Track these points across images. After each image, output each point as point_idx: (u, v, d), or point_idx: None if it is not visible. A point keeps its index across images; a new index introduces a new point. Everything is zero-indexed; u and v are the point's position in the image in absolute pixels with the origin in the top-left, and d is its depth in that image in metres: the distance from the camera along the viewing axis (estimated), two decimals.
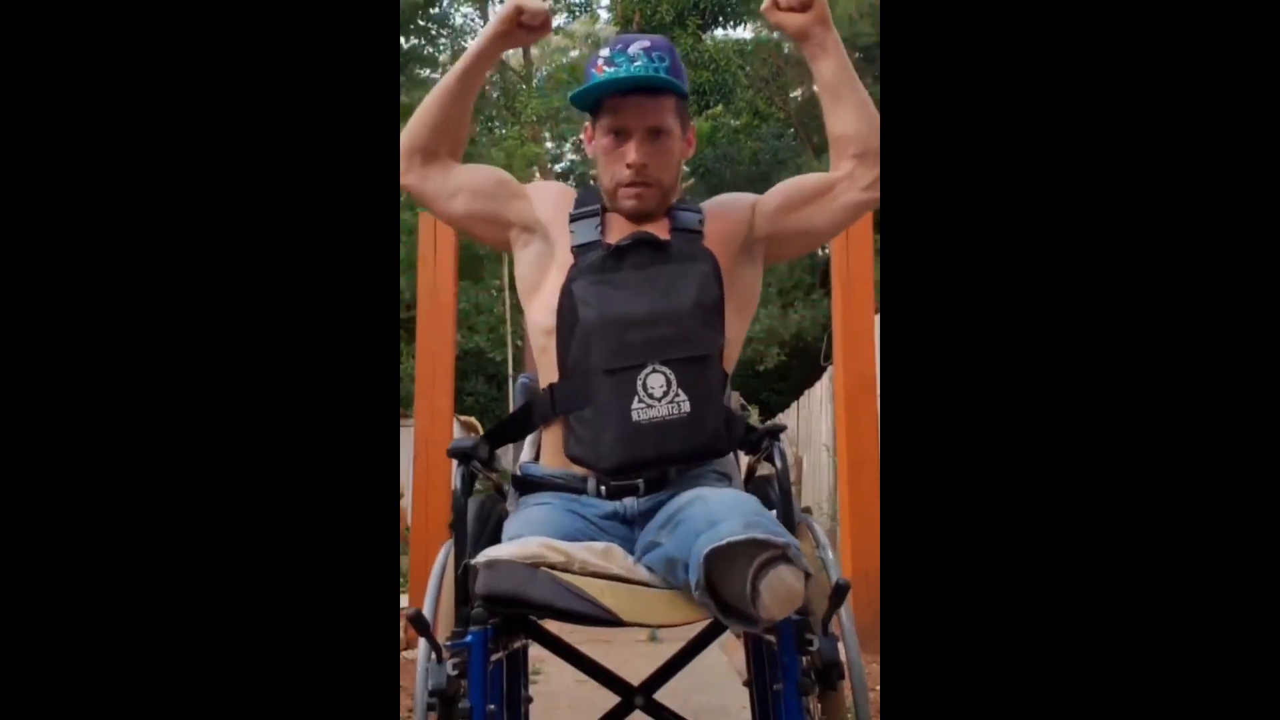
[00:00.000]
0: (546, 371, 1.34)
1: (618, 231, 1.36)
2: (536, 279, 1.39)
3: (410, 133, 1.39)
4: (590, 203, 1.40)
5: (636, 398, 1.24)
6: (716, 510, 1.06)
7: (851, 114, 1.36)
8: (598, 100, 1.37)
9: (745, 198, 1.45)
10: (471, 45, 1.41)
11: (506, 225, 1.42)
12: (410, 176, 1.40)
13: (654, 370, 1.25)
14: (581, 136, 1.47)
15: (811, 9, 1.34)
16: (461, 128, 1.43)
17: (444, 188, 1.41)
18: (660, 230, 1.36)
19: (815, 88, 1.41)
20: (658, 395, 1.24)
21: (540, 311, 1.36)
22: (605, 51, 1.37)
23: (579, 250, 1.34)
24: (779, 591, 0.99)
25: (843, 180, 1.38)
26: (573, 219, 1.38)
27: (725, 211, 1.42)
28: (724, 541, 0.99)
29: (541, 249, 1.39)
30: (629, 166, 1.35)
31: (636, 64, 1.33)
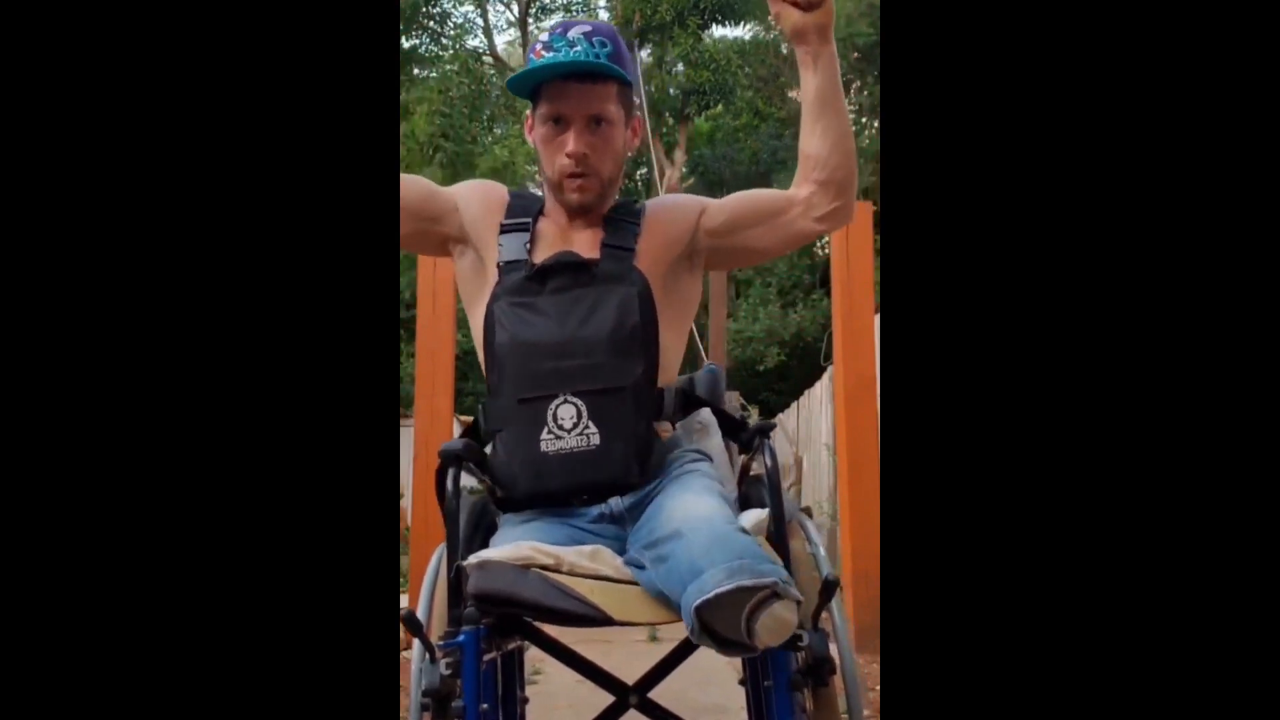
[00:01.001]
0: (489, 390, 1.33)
1: (547, 247, 1.32)
2: (473, 293, 1.36)
3: None
4: (525, 212, 1.36)
5: (546, 428, 1.22)
6: (698, 555, 1.04)
7: (827, 137, 1.30)
8: (537, 87, 1.32)
9: (692, 205, 1.39)
10: None
11: (444, 239, 1.39)
12: None
13: (565, 401, 1.22)
14: (525, 126, 1.43)
15: (816, 10, 1.27)
16: None
17: None
18: (592, 242, 1.33)
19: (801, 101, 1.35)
20: (567, 427, 1.22)
21: (476, 327, 1.33)
22: (545, 36, 1.32)
23: (505, 268, 1.30)
24: (773, 627, 0.99)
25: (799, 205, 1.33)
26: (503, 229, 1.34)
27: (667, 219, 1.37)
28: (711, 595, 0.99)
29: (474, 259, 1.36)
30: (569, 156, 1.30)
31: (576, 49, 1.28)
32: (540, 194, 1.41)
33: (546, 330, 1.25)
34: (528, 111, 1.38)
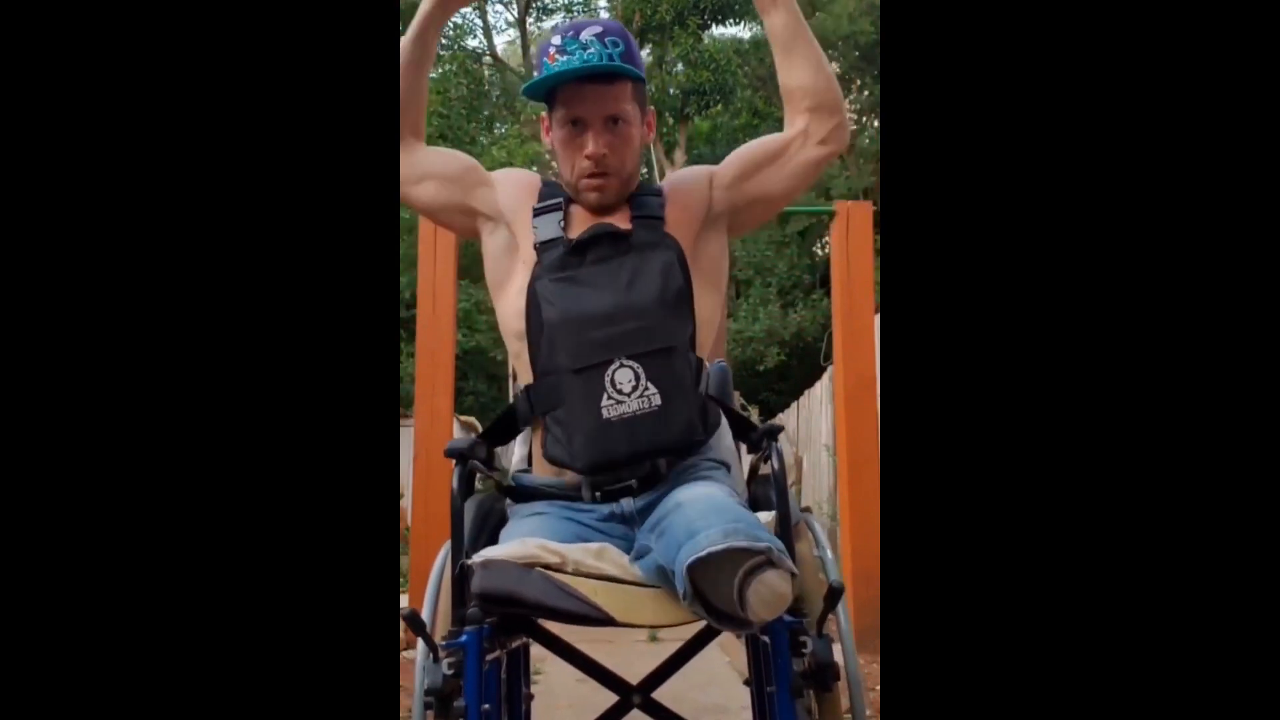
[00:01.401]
0: (523, 372, 1.33)
1: (580, 224, 1.34)
2: (502, 274, 1.37)
3: None
4: (555, 195, 1.37)
5: (606, 394, 1.23)
6: (694, 519, 1.05)
7: (806, 66, 1.34)
8: (552, 90, 1.33)
9: (701, 173, 1.42)
10: (418, 14, 1.38)
11: (474, 214, 1.40)
12: None
13: (621, 365, 1.23)
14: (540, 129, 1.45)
15: None
16: (421, 103, 1.40)
17: (411, 172, 1.38)
18: (622, 219, 1.34)
19: (770, 42, 1.39)
20: (627, 390, 1.23)
21: (509, 310, 1.34)
22: (557, 39, 1.33)
23: (542, 247, 1.32)
24: (766, 596, 0.98)
25: (797, 137, 1.36)
26: (536, 213, 1.35)
27: (683, 190, 1.39)
28: (704, 552, 0.99)
29: (506, 240, 1.37)
30: (588, 158, 1.32)
31: (589, 51, 1.29)
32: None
33: (594, 300, 1.27)
34: (542, 114, 1.40)
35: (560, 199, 1.36)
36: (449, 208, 1.41)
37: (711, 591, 1.00)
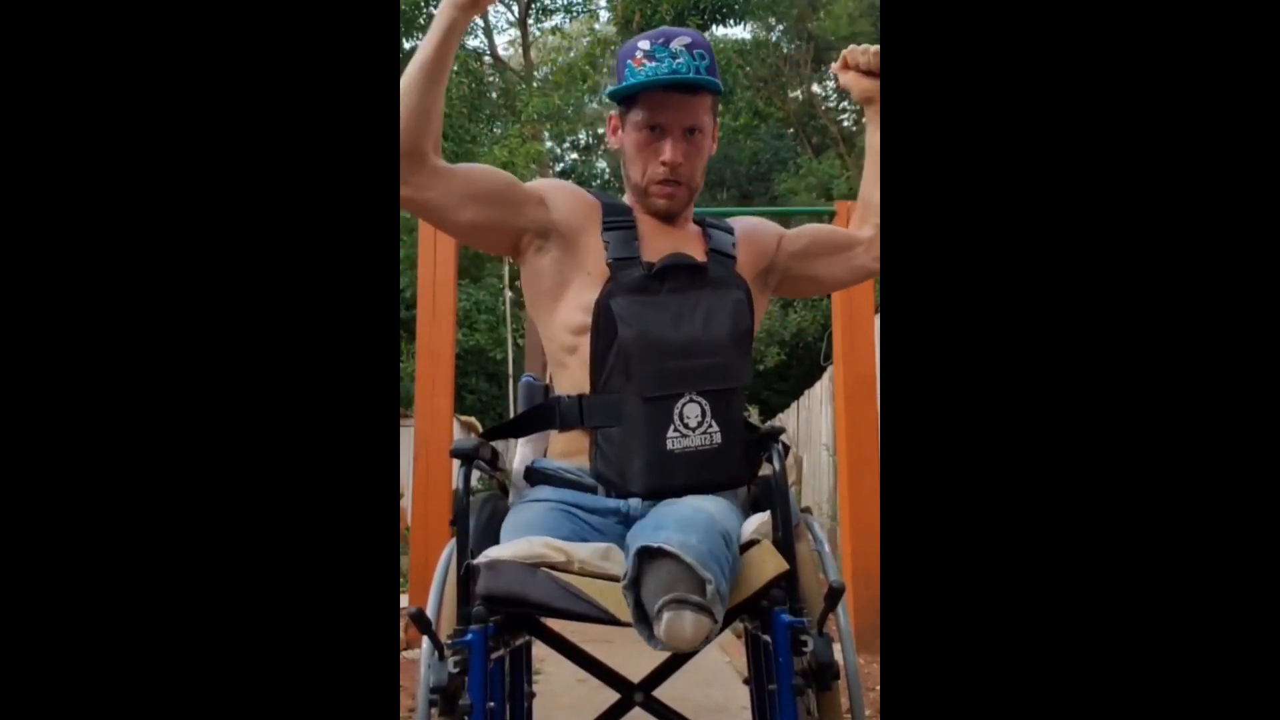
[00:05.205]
0: (571, 378, 1.32)
1: (651, 244, 1.35)
2: (556, 285, 1.34)
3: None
4: (620, 213, 1.37)
5: (672, 426, 1.25)
6: (669, 519, 1.07)
7: None
8: (634, 93, 1.35)
9: (773, 230, 1.48)
10: (433, 26, 1.24)
11: (518, 232, 1.34)
12: (406, 188, 1.23)
13: (690, 400, 1.26)
14: (606, 128, 1.46)
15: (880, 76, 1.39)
16: (438, 119, 1.25)
17: (448, 197, 1.27)
18: (693, 245, 1.37)
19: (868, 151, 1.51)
20: (693, 425, 1.25)
21: (571, 314, 1.32)
22: (645, 44, 1.34)
23: (616, 264, 1.31)
24: (675, 631, 0.98)
25: (862, 244, 1.47)
26: (606, 228, 1.34)
27: (756, 238, 1.45)
28: (656, 544, 1.01)
29: (560, 255, 1.34)
30: (664, 164, 1.34)
31: (679, 60, 1.32)
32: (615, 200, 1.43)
33: (672, 329, 1.29)
34: (611, 114, 1.42)
35: (630, 217, 1.37)
36: (488, 228, 1.32)
37: (644, 587, 1.02)
